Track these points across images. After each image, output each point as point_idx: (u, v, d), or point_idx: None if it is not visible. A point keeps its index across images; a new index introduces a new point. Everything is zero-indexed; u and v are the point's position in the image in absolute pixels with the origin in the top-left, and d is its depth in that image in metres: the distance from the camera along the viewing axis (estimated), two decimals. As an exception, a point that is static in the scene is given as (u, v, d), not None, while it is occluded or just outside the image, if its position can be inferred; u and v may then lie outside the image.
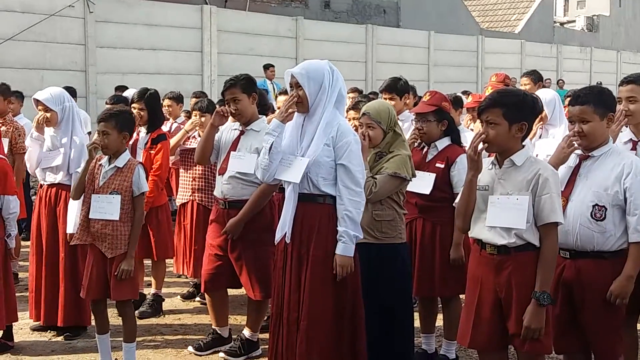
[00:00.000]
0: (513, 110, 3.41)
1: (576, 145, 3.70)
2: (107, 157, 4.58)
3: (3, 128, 6.75)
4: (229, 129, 5.07)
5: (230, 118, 4.96)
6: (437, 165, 4.59)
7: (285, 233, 3.97)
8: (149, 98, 6.05)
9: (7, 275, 5.06)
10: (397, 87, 6.04)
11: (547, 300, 3.33)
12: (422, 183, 4.51)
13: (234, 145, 4.91)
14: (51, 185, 5.37)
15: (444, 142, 4.68)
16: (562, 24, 32.33)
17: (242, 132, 4.93)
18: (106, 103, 7.42)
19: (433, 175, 4.55)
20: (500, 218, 3.41)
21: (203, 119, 5.92)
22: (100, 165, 4.57)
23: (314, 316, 3.85)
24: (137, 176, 4.52)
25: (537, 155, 4.61)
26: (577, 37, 30.45)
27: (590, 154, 3.65)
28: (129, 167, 4.53)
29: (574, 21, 33.00)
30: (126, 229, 4.49)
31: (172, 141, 6.16)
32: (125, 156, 4.57)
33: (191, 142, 6.16)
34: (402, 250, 4.33)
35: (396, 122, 4.37)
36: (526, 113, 3.45)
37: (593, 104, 3.59)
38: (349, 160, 3.86)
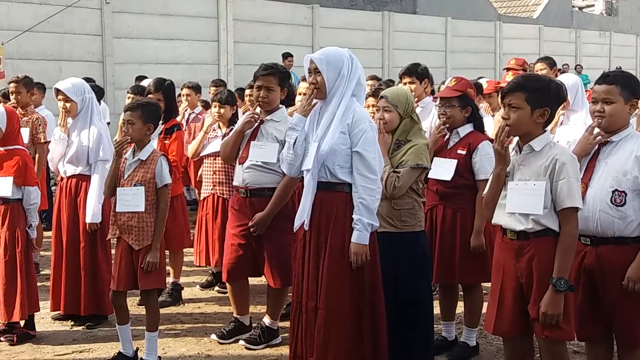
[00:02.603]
0: (536, 95, 3.38)
1: (598, 130, 3.65)
2: (131, 149, 4.58)
3: (24, 118, 6.80)
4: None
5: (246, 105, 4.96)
6: (459, 151, 4.54)
7: (304, 221, 3.96)
8: (167, 89, 6.04)
9: (29, 266, 5.11)
10: (418, 71, 6.01)
11: (564, 286, 3.31)
12: (443, 169, 4.48)
13: (254, 135, 4.91)
14: (71, 177, 5.39)
15: (466, 129, 4.63)
16: (580, 8, 31.93)
17: (261, 122, 4.92)
18: (127, 92, 7.44)
19: (454, 162, 4.50)
20: (519, 204, 3.40)
21: (222, 110, 5.90)
22: (125, 158, 4.58)
23: (331, 305, 3.85)
24: (160, 168, 4.52)
25: (557, 142, 4.56)
26: (596, 21, 30.11)
27: (609, 139, 3.60)
28: (152, 160, 4.53)
29: (592, 5, 32.58)
30: (151, 221, 4.50)
31: (193, 145, 6.13)
32: (149, 148, 4.57)
33: (210, 134, 6.16)
34: (422, 238, 4.32)
35: (414, 109, 4.34)
36: (550, 99, 3.41)
37: (620, 85, 3.55)
38: (363, 147, 3.83)
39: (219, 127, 6.04)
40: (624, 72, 3.72)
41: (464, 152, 4.53)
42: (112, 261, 4.73)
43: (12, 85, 7.05)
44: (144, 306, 5.67)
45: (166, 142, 5.86)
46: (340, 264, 3.86)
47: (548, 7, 28.07)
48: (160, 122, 5.88)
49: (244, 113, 5.66)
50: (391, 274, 4.11)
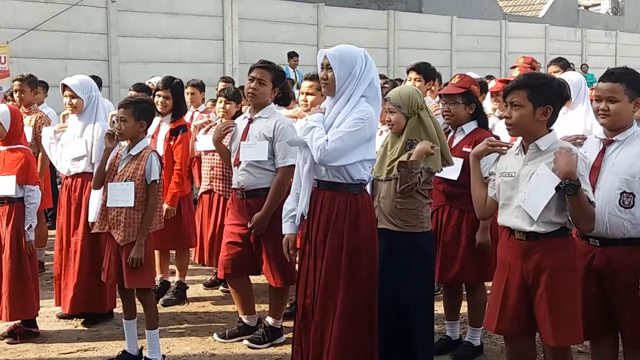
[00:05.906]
0: (538, 93, 3.35)
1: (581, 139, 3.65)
2: (126, 147, 4.59)
3: (28, 117, 6.81)
4: (239, 119, 5.07)
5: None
6: (464, 149, 4.46)
7: (303, 213, 3.92)
8: (175, 86, 5.98)
9: (34, 265, 5.10)
10: (426, 70, 6.02)
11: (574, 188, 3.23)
12: (450, 168, 4.36)
13: (244, 135, 4.90)
14: (76, 175, 5.38)
15: (470, 126, 4.59)
16: (586, 7, 31.84)
17: (250, 121, 4.90)
18: (130, 90, 7.44)
19: (460, 161, 4.41)
20: (533, 198, 3.35)
21: (228, 106, 5.89)
22: (120, 154, 4.60)
23: (326, 305, 3.83)
24: (150, 165, 4.52)
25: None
26: (602, 20, 30.00)
27: (614, 138, 3.55)
28: (142, 156, 4.54)
29: (598, 4, 32.49)
30: (139, 217, 4.50)
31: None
32: (142, 144, 4.58)
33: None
34: (423, 239, 4.19)
35: (420, 105, 4.20)
36: (552, 97, 3.38)
37: (625, 83, 3.48)
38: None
39: (222, 121, 6.03)
40: (629, 70, 3.64)
41: (469, 150, 4.37)
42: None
43: (16, 83, 7.08)
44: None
45: (171, 143, 5.82)
46: (337, 264, 3.83)
47: (554, 6, 27.98)
48: (170, 120, 5.86)
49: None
50: (392, 273, 4.09)
